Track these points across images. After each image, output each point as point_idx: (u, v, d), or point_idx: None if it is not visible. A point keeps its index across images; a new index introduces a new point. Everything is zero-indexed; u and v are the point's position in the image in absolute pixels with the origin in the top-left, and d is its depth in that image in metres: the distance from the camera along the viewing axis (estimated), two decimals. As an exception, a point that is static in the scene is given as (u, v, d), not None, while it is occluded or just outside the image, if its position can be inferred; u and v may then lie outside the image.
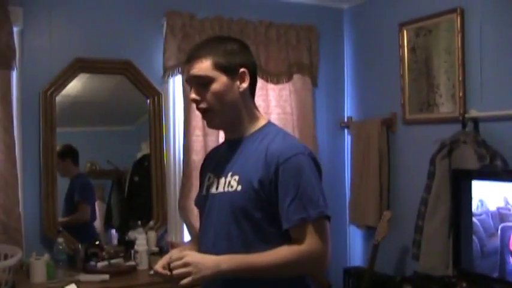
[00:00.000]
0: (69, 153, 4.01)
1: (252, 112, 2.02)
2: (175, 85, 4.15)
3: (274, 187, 1.85)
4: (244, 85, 1.96)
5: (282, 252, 1.83)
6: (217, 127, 2.09)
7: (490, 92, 3.61)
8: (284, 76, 4.44)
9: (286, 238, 1.86)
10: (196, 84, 1.95)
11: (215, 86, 1.91)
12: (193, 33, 4.10)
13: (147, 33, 4.11)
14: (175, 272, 1.77)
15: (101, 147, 4.21)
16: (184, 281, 1.75)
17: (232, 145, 2.02)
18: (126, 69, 4.01)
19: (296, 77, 4.51)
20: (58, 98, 3.81)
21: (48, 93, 3.77)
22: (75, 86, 3.93)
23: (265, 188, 1.85)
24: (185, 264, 1.77)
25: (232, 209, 1.88)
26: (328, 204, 1.89)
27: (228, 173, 1.95)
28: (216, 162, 2.06)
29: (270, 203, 1.86)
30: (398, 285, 3.78)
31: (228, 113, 1.97)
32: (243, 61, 1.97)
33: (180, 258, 1.79)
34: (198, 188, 3.97)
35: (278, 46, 4.42)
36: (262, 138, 1.95)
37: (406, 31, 4.19)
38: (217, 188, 1.98)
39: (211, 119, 1.98)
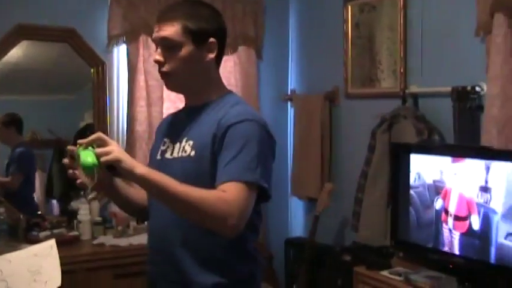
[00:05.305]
0: (14, 122, 3.95)
1: (215, 82, 2.02)
2: (120, 55, 4.12)
3: (220, 148, 1.83)
4: (212, 55, 1.95)
5: (201, 190, 1.74)
6: (175, 90, 2.05)
7: (429, 69, 3.69)
8: (229, 48, 4.42)
9: None
10: (163, 46, 1.91)
11: (182, 53, 1.89)
12: (139, 2, 4.05)
13: (91, 0, 4.03)
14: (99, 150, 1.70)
15: (43, 116, 4.14)
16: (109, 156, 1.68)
17: (191, 112, 2.00)
18: (70, 37, 3.93)
19: (241, 49, 4.52)
20: (-2, 65, 3.73)
21: (-12, 60, 3.68)
22: (16, 53, 3.84)
23: (217, 152, 1.83)
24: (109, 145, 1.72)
25: (184, 174, 1.84)
26: (271, 178, 1.86)
27: (183, 138, 1.94)
28: (173, 128, 2.04)
29: None
30: (338, 255, 3.88)
31: (190, 80, 1.95)
32: (214, 30, 1.96)
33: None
34: (141, 158, 3.94)
35: (224, 18, 4.38)
36: (222, 106, 1.94)
37: (351, 6, 4.23)
38: (172, 153, 1.97)
39: (171, 82, 1.96)
